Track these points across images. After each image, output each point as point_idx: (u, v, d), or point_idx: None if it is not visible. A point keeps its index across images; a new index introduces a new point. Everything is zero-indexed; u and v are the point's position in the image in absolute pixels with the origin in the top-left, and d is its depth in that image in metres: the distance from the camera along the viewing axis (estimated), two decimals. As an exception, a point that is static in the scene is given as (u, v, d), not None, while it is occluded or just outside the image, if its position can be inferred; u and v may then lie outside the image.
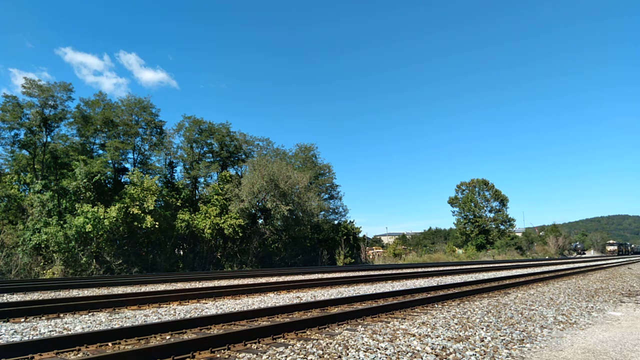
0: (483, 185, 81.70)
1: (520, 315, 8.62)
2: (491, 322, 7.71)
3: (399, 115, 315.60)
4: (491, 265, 35.45)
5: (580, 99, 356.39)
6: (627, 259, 54.36)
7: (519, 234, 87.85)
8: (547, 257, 68.27)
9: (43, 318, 8.30)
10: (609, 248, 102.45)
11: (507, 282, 16.35)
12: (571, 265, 33.89)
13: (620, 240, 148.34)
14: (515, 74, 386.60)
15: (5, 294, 13.23)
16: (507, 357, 5.32)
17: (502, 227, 79.81)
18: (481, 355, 5.35)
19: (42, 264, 28.28)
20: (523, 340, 6.33)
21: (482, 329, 7.05)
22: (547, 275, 20.14)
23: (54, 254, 28.27)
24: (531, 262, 41.24)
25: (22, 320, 8.04)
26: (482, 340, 6.17)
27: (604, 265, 32.96)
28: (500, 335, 6.55)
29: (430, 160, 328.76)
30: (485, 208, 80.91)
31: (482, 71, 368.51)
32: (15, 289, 14.03)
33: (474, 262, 43.92)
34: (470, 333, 6.65)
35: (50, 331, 6.85)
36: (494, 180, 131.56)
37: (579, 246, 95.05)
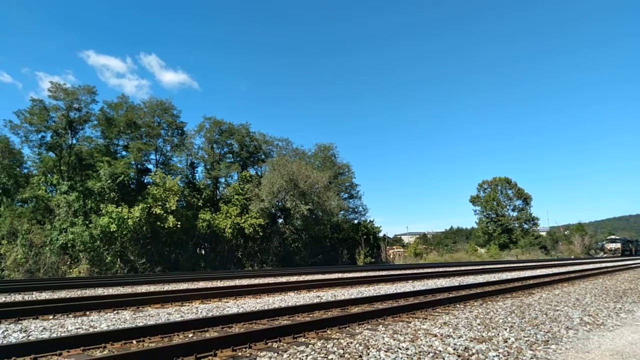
0: (505, 184, 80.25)
1: (544, 315, 8.45)
2: (515, 322, 7.58)
3: (420, 112, 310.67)
4: (514, 265, 34.83)
5: (606, 94, 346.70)
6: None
7: (543, 233, 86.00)
8: (572, 257, 66.73)
9: (70, 316, 8.51)
10: (610, 246, 74.36)
11: (531, 282, 16.03)
12: (598, 265, 33.04)
13: (631, 235, 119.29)
14: (537, 69, 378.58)
15: (34, 292, 13.62)
16: (531, 358, 5.22)
17: (525, 226, 78.24)
18: (504, 356, 5.26)
19: (68, 262, 29.02)
20: (548, 341, 6.20)
21: (506, 329, 6.93)
22: (572, 275, 19.68)
23: (80, 253, 28.97)
24: (556, 262, 40.34)
25: (51, 317, 8.27)
26: (506, 341, 6.07)
27: (632, 265, 32.04)
28: (524, 336, 6.43)
29: (451, 158, 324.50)
30: (508, 207, 79.45)
31: (502, 67, 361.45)
32: (43, 287, 14.43)
33: (497, 262, 43.21)
34: (493, 334, 6.55)
35: (77, 328, 7.02)
36: (517, 177, 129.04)
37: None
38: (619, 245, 73.58)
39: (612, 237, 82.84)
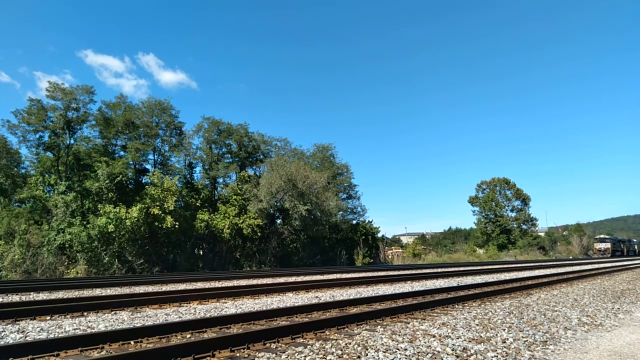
0: (504, 184, 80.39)
1: (543, 316, 8.45)
2: (513, 323, 7.58)
3: (419, 106, 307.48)
4: (513, 265, 34.88)
5: (606, 95, 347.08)
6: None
7: (542, 234, 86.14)
8: (570, 257, 66.79)
9: (68, 316, 8.49)
10: (599, 246, 68.50)
11: (530, 282, 16.05)
12: (596, 266, 33.09)
13: (629, 235, 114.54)
14: (538, 69, 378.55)
15: (31, 293, 13.58)
16: (529, 358, 5.22)
17: (524, 226, 78.39)
18: (503, 356, 5.25)
19: (66, 263, 28.94)
20: (546, 341, 6.20)
21: (504, 330, 6.93)
22: (570, 275, 19.71)
23: (77, 254, 28.90)
24: (554, 263, 40.40)
25: (48, 318, 8.24)
26: (504, 342, 6.07)
27: (631, 266, 32.11)
28: (522, 337, 6.43)
29: (450, 159, 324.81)
30: (506, 207, 79.66)
31: (502, 63, 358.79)
32: (41, 288, 14.38)
33: (495, 263, 43.24)
34: (491, 334, 6.55)
35: (74, 329, 7.00)
36: (516, 178, 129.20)
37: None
38: (608, 245, 68.34)
39: (602, 236, 76.70)
